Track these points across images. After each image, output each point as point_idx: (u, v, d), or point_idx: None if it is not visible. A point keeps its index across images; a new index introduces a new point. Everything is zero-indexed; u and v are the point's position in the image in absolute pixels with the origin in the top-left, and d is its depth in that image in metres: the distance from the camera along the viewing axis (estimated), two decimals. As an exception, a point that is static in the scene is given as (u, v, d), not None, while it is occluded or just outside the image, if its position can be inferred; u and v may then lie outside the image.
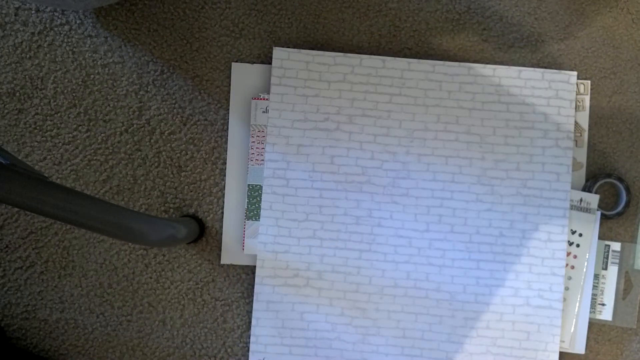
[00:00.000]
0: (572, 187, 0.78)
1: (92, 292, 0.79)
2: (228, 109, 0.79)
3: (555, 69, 0.79)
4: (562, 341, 0.77)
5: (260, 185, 0.78)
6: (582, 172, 0.79)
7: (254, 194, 0.78)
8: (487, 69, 0.78)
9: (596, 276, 0.78)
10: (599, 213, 0.78)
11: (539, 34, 0.80)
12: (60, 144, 0.79)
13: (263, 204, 0.77)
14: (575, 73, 0.78)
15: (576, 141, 0.79)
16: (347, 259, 0.77)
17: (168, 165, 0.79)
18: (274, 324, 0.77)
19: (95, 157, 0.79)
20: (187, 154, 0.79)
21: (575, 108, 0.79)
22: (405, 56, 0.80)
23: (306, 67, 0.78)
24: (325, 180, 0.77)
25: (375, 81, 0.78)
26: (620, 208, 0.78)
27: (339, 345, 0.77)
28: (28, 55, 0.79)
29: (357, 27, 0.80)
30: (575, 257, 0.78)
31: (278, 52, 0.78)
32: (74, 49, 0.79)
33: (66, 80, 0.79)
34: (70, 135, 0.79)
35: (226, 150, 0.79)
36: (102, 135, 0.79)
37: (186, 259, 0.79)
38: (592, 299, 0.78)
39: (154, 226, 0.66)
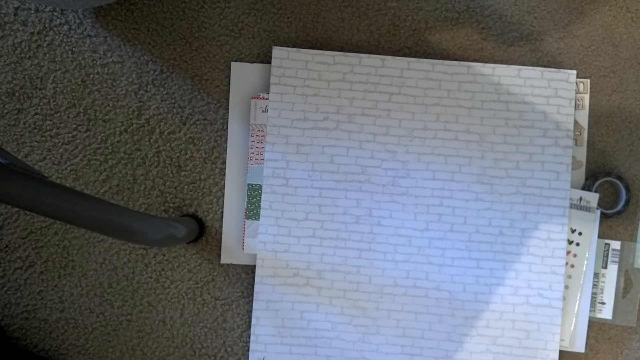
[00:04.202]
0: (572, 186, 0.78)
1: (92, 292, 0.79)
2: (227, 109, 0.79)
3: (555, 67, 0.79)
4: (562, 340, 0.77)
5: (260, 184, 0.78)
6: (582, 171, 0.79)
7: (253, 194, 0.78)
8: (486, 68, 0.78)
9: (596, 275, 0.78)
10: (598, 212, 0.78)
11: (538, 33, 0.80)
12: (60, 144, 0.79)
13: (263, 204, 0.77)
14: (574, 72, 0.78)
15: (576, 140, 0.79)
16: (346, 258, 0.77)
17: (168, 165, 0.79)
18: (274, 323, 0.77)
19: (94, 157, 0.79)
20: (186, 153, 0.79)
21: (575, 107, 0.79)
22: (404, 55, 0.80)
23: (305, 67, 0.78)
24: (325, 179, 0.77)
25: (375, 80, 0.78)
26: (620, 207, 0.78)
27: (338, 344, 0.77)
28: (27, 55, 0.79)
29: (356, 26, 0.80)
30: (575, 255, 0.78)
31: (277, 52, 0.78)
32: (74, 49, 0.79)
33: (65, 80, 0.79)
34: (70, 135, 0.79)
35: (226, 150, 0.79)
36: (102, 135, 0.79)
37: (186, 259, 0.79)
38: (592, 297, 0.78)
39: (154, 226, 0.66)
